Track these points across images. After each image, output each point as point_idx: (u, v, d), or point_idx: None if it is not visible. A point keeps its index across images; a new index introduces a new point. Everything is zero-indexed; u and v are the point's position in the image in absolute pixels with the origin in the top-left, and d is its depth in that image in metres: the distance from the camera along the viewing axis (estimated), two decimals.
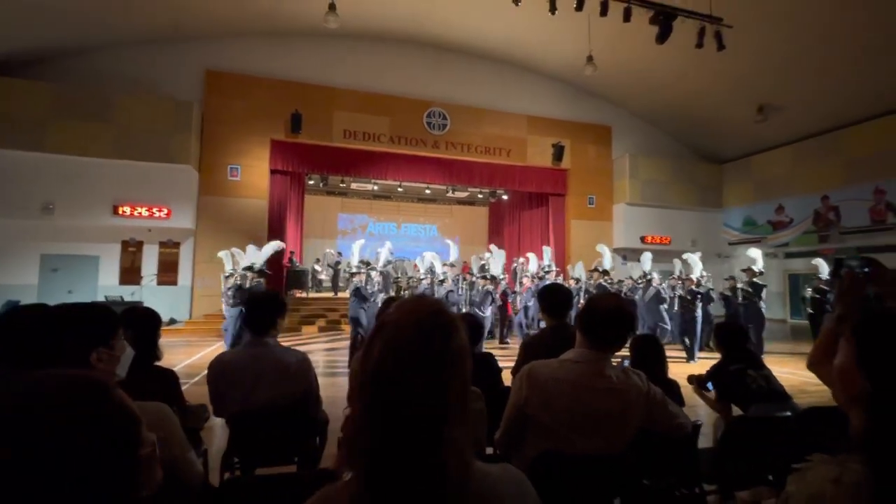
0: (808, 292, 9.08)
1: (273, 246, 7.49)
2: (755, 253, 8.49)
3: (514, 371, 2.28)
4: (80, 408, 0.57)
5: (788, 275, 14.36)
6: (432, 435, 0.62)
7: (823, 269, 8.87)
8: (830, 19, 9.50)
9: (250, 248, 9.09)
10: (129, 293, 10.18)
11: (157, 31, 11.12)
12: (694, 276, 8.54)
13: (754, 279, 7.82)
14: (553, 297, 2.59)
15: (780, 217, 13.84)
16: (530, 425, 1.47)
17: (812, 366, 1.17)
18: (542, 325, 3.26)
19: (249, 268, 6.40)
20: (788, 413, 2.06)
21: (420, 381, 0.63)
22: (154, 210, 10.40)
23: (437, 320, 0.67)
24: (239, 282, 6.04)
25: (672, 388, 2.36)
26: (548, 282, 9.19)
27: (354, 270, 8.71)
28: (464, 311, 8.65)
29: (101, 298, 9.51)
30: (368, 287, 8.19)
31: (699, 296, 8.06)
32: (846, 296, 1.16)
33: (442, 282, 9.30)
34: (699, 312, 7.95)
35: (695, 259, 8.99)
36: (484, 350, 3.67)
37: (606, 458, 1.44)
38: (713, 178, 15.45)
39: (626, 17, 8.31)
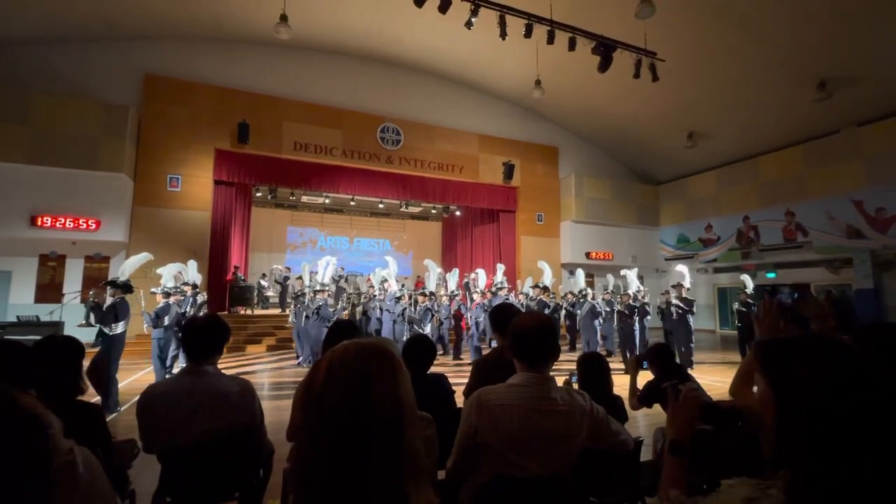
0: (736, 305, 9.85)
1: (140, 258, 6.94)
2: (683, 269, 9.14)
3: (467, 392, 2.30)
4: None
5: (717, 288, 15.58)
6: (368, 474, 0.62)
7: (749, 283, 9.70)
8: (747, 61, 10.61)
9: (192, 263, 8.56)
10: (46, 312, 9.21)
11: (86, 28, 10.34)
12: (631, 291, 9.02)
13: (684, 294, 8.41)
14: (503, 317, 2.65)
15: (709, 235, 15.03)
16: (481, 451, 1.48)
17: (733, 394, 1.26)
18: (494, 343, 3.31)
19: (112, 282, 5.86)
20: None
21: (357, 428, 0.63)
22: (80, 221, 9.54)
23: (379, 367, 0.68)
24: (94, 299, 5.42)
25: (616, 403, 2.48)
26: (500, 298, 9.34)
27: (319, 288, 8.50)
28: (426, 329, 8.62)
29: (11, 318, 8.54)
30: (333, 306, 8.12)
31: (636, 310, 8.53)
32: (763, 323, 1.24)
33: (398, 298, 9.19)
34: (637, 326, 8.40)
35: (632, 275, 9.51)
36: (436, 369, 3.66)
37: (554, 478, 1.48)
38: (650, 197, 16.54)
39: (571, 46, 8.81)
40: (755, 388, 0.84)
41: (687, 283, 8.60)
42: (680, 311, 8.15)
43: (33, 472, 0.56)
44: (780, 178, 13.00)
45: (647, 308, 8.81)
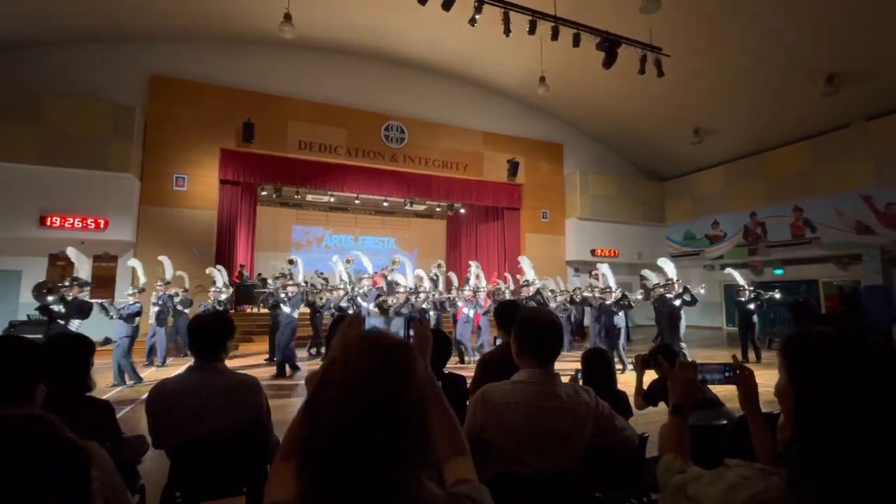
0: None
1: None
2: (663, 262, 9.06)
3: (472, 389, 2.31)
4: (31, 451, 0.53)
5: (724, 285, 15.46)
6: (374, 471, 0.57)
7: (738, 278, 9.67)
8: (754, 56, 10.50)
9: (163, 259, 8.75)
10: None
11: (95, 30, 10.43)
12: (613, 287, 8.81)
13: (677, 288, 8.31)
14: (511, 314, 2.65)
15: (716, 231, 14.93)
16: (486, 448, 1.48)
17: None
18: (499, 341, 3.32)
19: (78, 279, 5.87)
20: (724, 421, 2.22)
21: (371, 445, 0.56)
22: (88, 221, 9.64)
23: (389, 369, 0.62)
24: (51, 299, 5.28)
25: (620, 399, 2.48)
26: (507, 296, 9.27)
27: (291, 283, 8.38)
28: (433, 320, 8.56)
29: (22, 317, 8.64)
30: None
31: (617, 305, 8.33)
32: (675, 386, 1.19)
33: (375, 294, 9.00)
34: (620, 321, 8.21)
35: (607, 271, 9.36)
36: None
37: (559, 474, 1.48)
38: (656, 194, 16.44)
39: (576, 42, 8.77)
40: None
41: (670, 276, 8.51)
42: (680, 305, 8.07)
43: (78, 498, 0.57)
44: (787, 173, 12.87)
45: (631, 303, 8.60)
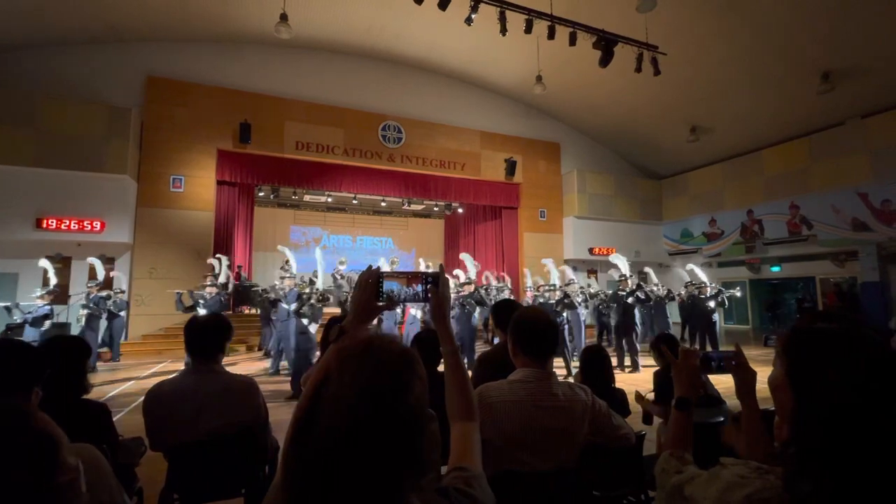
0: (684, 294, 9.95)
1: None
2: (616, 258, 9.00)
3: None
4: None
5: (721, 282, 15.49)
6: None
7: (699, 275, 9.67)
8: (750, 53, 10.53)
9: (93, 260, 8.74)
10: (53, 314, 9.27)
11: (90, 32, 10.40)
12: (557, 284, 8.64)
13: (630, 285, 8.20)
14: (508, 313, 2.65)
15: (713, 229, 14.96)
16: (483, 447, 1.48)
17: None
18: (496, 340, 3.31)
19: None
20: (722, 418, 2.22)
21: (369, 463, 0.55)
22: (85, 223, 9.61)
23: (390, 378, 0.60)
24: None
25: (617, 396, 2.48)
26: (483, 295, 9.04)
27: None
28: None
29: (18, 319, 8.61)
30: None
31: (563, 303, 8.16)
32: (679, 377, 1.15)
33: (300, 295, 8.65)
34: (564, 321, 8.03)
35: (552, 267, 9.27)
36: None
37: (557, 473, 1.48)
38: (653, 192, 16.47)
39: (572, 41, 8.77)
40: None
41: (620, 273, 8.43)
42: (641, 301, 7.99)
43: (39, 487, 0.57)
44: (784, 171, 12.91)
45: (576, 302, 8.36)
